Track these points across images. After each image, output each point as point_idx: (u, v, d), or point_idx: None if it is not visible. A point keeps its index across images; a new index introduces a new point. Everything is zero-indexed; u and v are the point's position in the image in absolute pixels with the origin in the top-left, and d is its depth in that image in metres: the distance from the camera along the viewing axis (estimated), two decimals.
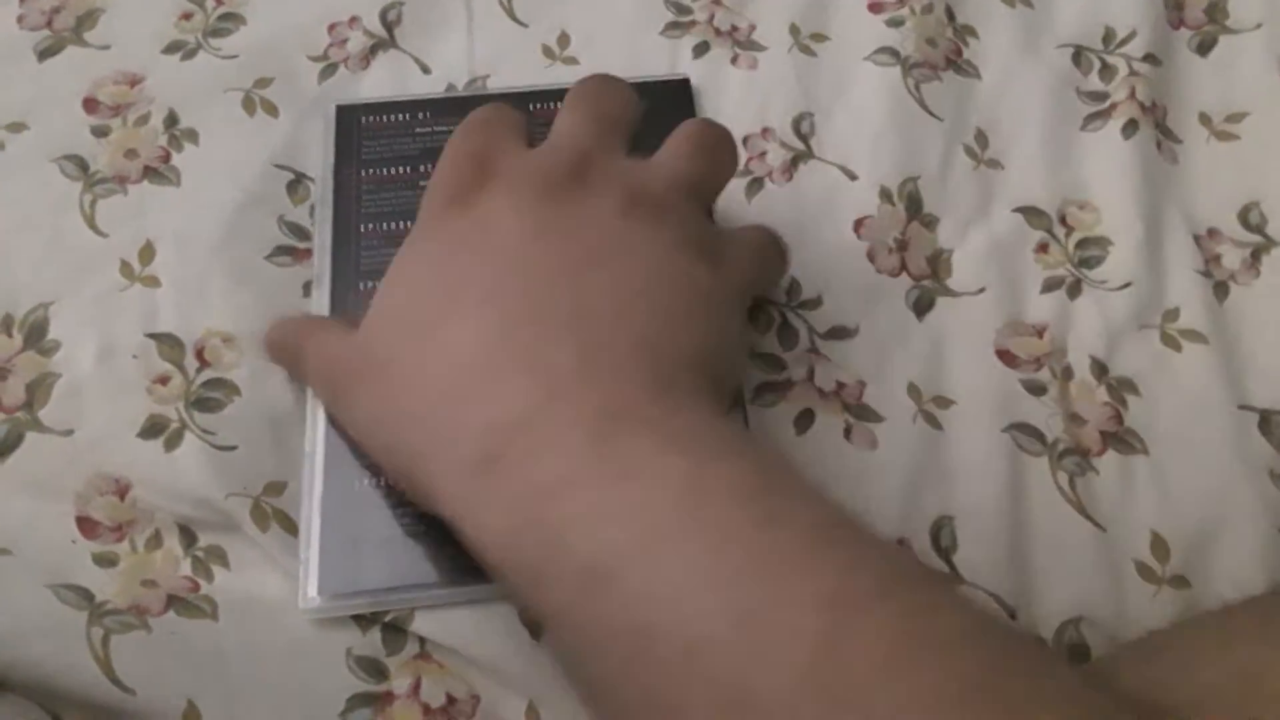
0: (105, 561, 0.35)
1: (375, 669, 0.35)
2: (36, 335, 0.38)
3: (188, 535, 0.35)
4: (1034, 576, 0.38)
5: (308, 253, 0.41)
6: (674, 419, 0.29)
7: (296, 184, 0.42)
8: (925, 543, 0.37)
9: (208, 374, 0.38)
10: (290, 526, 0.36)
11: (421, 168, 0.42)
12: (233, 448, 0.37)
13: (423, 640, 0.35)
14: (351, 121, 0.43)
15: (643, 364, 0.30)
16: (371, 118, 0.43)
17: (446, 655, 0.35)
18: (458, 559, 0.33)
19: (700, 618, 0.25)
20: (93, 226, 0.40)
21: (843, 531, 0.27)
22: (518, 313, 0.31)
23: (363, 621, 0.35)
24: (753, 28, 0.47)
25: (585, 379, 0.29)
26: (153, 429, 0.37)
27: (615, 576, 0.26)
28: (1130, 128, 0.45)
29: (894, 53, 0.46)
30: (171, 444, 0.37)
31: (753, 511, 0.27)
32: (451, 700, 0.35)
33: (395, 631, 0.35)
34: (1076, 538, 0.38)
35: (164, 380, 0.38)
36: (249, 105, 0.44)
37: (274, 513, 0.36)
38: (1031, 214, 0.43)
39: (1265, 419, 0.40)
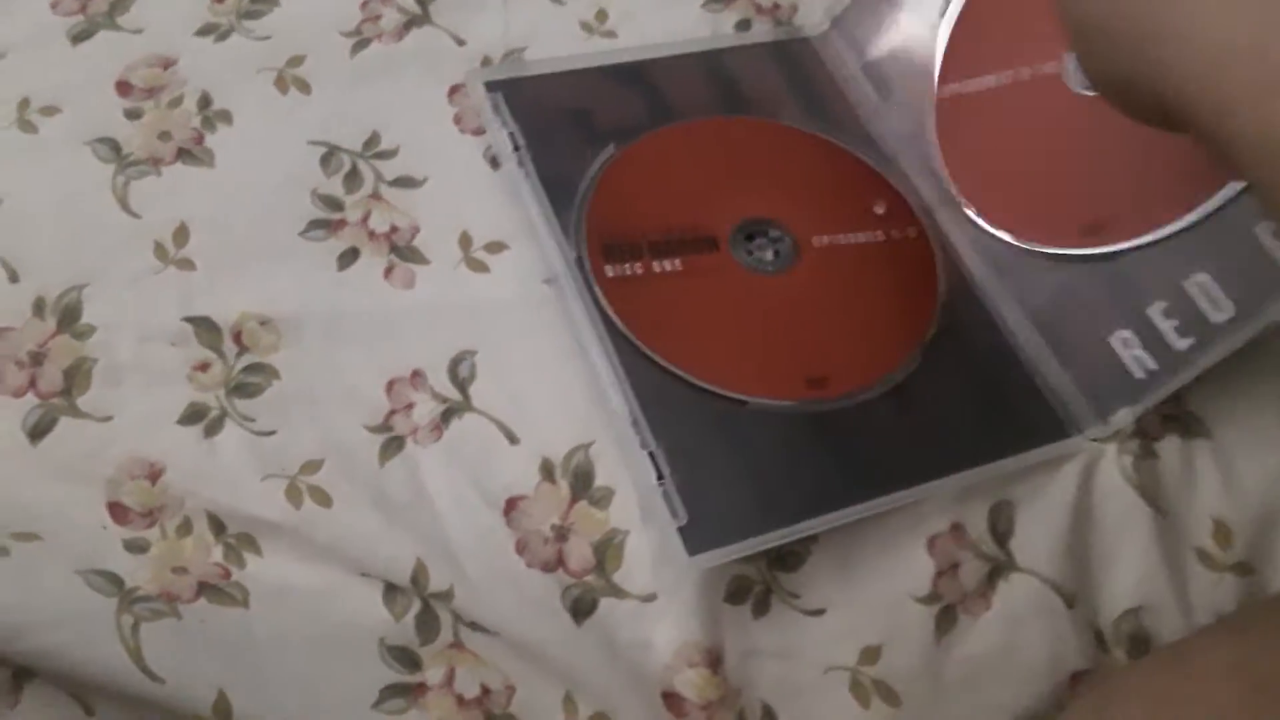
0: (136, 548, 0.34)
1: (408, 659, 0.34)
2: (70, 318, 0.37)
3: (217, 523, 0.35)
4: (1092, 564, 0.37)
5: (342, 223, 0.40)
6: None
7: (330, 157, 0.41)
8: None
9: (247, 359, 0.37)
10: (324, 499, 0.35)
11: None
12: (272, 432, 0.36)
13: (457, 629, 0.34)
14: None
15: None
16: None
17: (481, 644, 0.34)
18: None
19: None
20: (126, 208, 0.40)
21: None
22: None
23: (401, 605, 0.34)
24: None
25: None
26: (193, 416, 0.36)
27: None
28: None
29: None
30: (211, 431, 0.36)
31: None
32: (486, 691, 0.34)
33: (429, 619, 0.34)
34: (1138, 524, 0.37)
35: (204, 367, 0.37)
36: (281, 84, 0.43)
37: (309, 489, 0.35)
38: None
39: None
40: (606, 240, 0.39)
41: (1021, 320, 0.40)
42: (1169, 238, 0.36)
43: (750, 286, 0.40)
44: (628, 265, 0.39)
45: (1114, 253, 0.38)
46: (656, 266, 0.39)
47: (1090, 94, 0.37)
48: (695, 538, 0.34)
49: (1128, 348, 0.37)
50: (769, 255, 0.40)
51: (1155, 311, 0.36)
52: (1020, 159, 0.42)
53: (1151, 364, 0.37)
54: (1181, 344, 0.36)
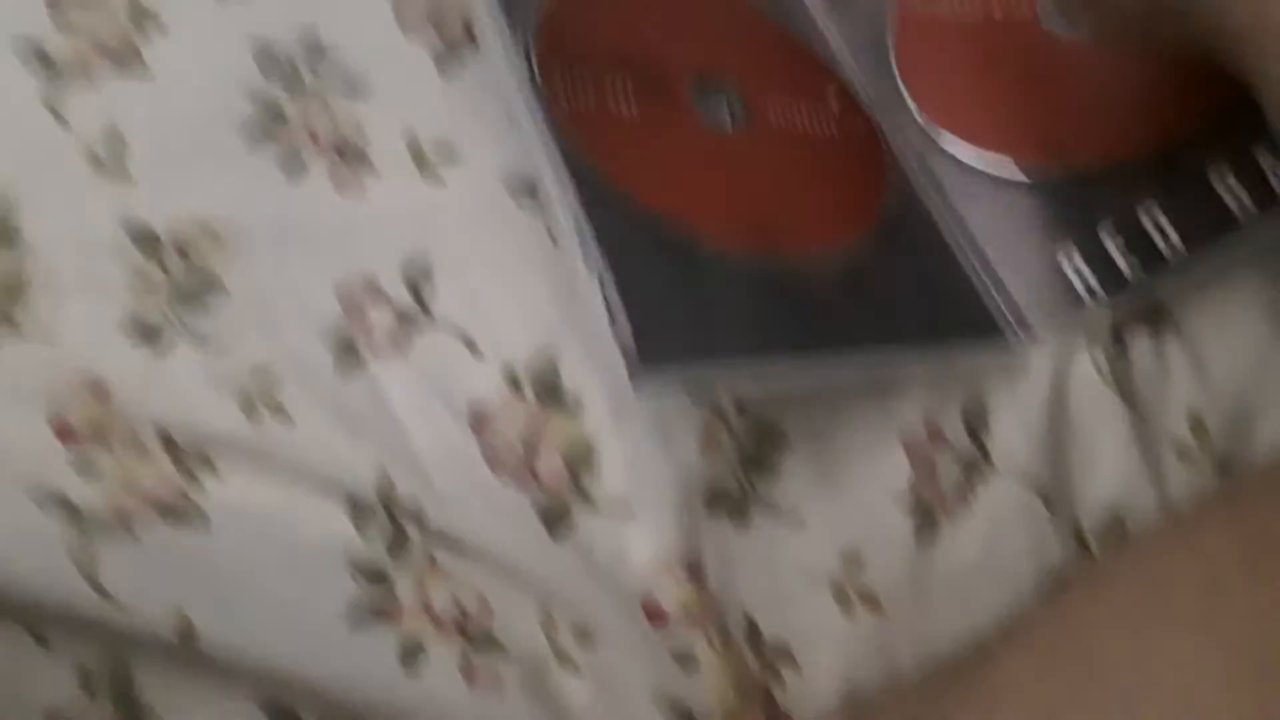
0: (85, 470, 0.32)
1: (378, 577, 0.33)
2: (5, 236, 0.35)
3: (170, 441, 0.33)
4: (1071, 464, 0.37)
5: (285, 128, 0.38)
6: None
7: (269, 59, 0.39)
8: None
9: (193, 271, 0.35)
10: (280, 412, 0.34)
11: None
12: (222, 344, 0.34)
13: (429, 547, 0.33)
14: None
15: None
16: None
17: (454, 561, 0.33)
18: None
19: None
20: (57, 118, 0.37)
21: None
22: None
23: (364, 523, 0.33)
24: None
25: None
26: (136, 330, 0.34)
27: None
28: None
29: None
30: (157, 345, 0.34)
31: None
32: (463, 611, 0.33)
33: (398, 537, 0.33)
34: (1114, 421, 0.37)
35: (147, 280, 0.35)
36: None
37: (264, 402, 0.34)
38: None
39: None
40: (563, 64, 0.37)
41: (967, 230, 0.40)
42: (1124, 165, 0.39)
43: (705, 138, 0.39)
44: (582, 92, 0.37)
45: (1068, 175, 0.39)
46: (611, 99, 0.37)
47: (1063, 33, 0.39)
48: (644, 355, 0.32)
49: (1072, 264, 0.38)
50: (724, 114, 0.39)
51: (1104, 232, 0.38)
52: (979, 79, 0.43)
53: (1094, 283, 0.38)
54: (1126, 266, 0.37)
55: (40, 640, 0.31)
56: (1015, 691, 0.27)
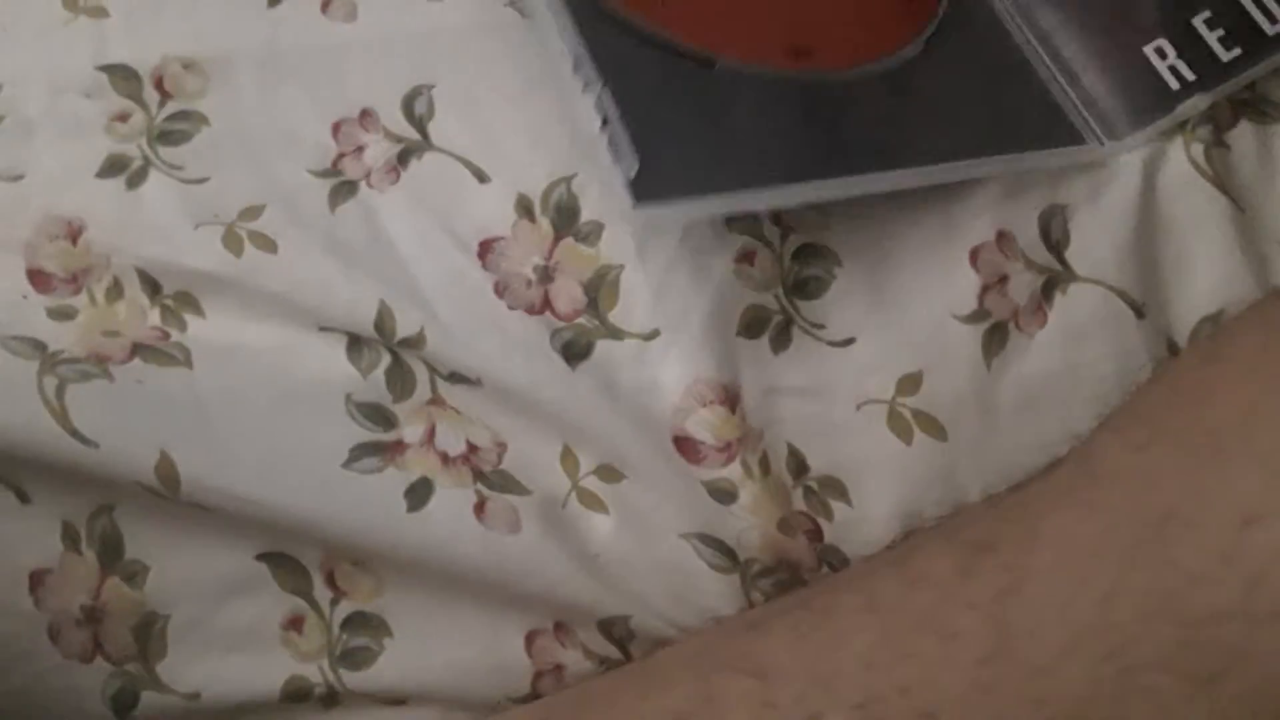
0: (61, 315, 0.30)
1: (381, 416, 0.30)
2: None
3: (151, 282, 0.31)
4: (1163, 268, 0.32)
5: None
6: None
7: None
8: None
9: (171, 106, 0.33)
10: (268, 245, 0.31)
11: None
12: (203, 179, 0.32)
13: (434, 382, 0.30)
14: None
15: None
16: None
17: (463, 399, 0.30)
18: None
19: None
20: None
21: None
22: None
23: (368, 359, 0.30)
24: None
25: None
26: (112, 168, 0.32)
27: None
28: None
29: None
30: (134, 182, 0.32)
31: None
32: (473, 447, 0.30)
33: (401, 371, 0.30)
34: (1214, 220, 0.32)
35: (123, 117, 0.32)
36: None
37: (250, 236, 0.31)
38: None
39: None
40: None
41: (1039, 29, 0.35)
42: None
43: None
44: None
45: None
46: None
47: None
48: (645, 186, 0.28)
49: (1164, 58, 0.34)
50: None
51: (1199, 21, 0.33)
52: None
53: (1189, 74, 0.33)
54: (1227, 55, 0.33)
55: (22, 496, 0.29)
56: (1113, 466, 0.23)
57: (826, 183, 0.31)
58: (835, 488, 0.30)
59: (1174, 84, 0.33)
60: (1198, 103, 0.33)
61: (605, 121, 0.30)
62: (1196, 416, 0.24)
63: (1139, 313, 0.31)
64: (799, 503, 0.30)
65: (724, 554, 0.29)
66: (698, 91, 0.31)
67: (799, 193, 0.30)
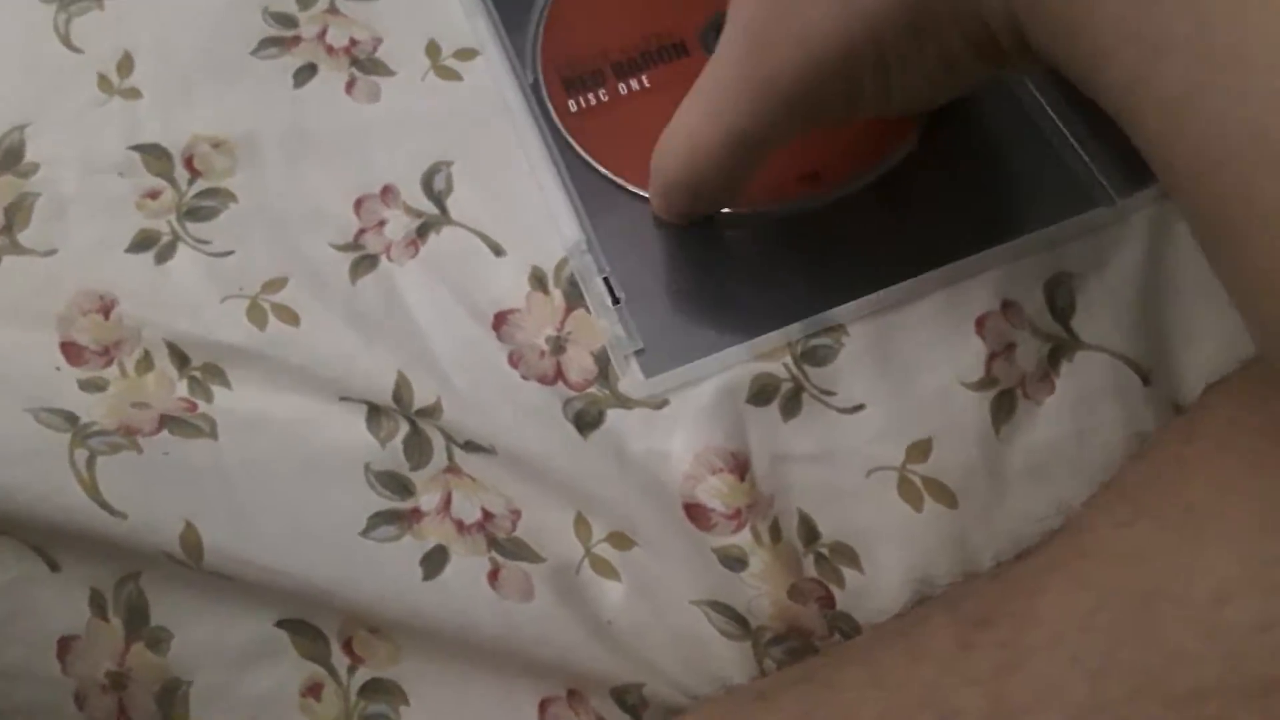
0: (92, 387, 0.31)
1: (398, 484, 0.30)
2: (12, 159, 0.34)
3: (180, 354, 0.32)
4: (1170, 333, 0.32)
5: (296, 39, 0.36)
6: None
7: None
8: None
9: (200, 184, 0.34)
10: (291, 318, 0.32)
11: None
12: (228, 253, 0.33)
13: (450, 451, 0.31)
14: None
15: None
16: None
17: (478, 467, 0.31)
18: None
19: None
20: (68, 45, 0.36)
21: None
22: None
23: (387, 428, 0.31)
24: None
25: None
26: (143, 243, 0.33)
27: None
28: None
29: None
30: (163, 257, 0.33)
31: None
32: (488, 515, 0.30)
33: (418, 441, 0.31)
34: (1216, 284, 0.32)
35: (154, 195, 0.34)
36: None
37: (274, 308, 0.32)
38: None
39: None
40: (566, 72, 0.35)
41: (1049, 94, 0.36)
42: None
43: None
44: (591, 94, 0.35)
45: None
46: (622, 88, 0.35)
47: None
48: (653, 361, 0.32)
49: None
50: None
51: None
52: None
53: None
54: None
55: (52, 565, 0.30)
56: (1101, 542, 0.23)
57: (831, 312, 0.32)
58: (846, 554, 0.30)
59: None
60: None
61: (616, 300, 0.32)
62: (1175, 494, 0.24)
63: (1146, 380, 0.32)
64: (810, 570, 0.30)
65: (735, 621, 0.30)
66: (700, 247, 0.33)
67: (803, 328, 0.32)
